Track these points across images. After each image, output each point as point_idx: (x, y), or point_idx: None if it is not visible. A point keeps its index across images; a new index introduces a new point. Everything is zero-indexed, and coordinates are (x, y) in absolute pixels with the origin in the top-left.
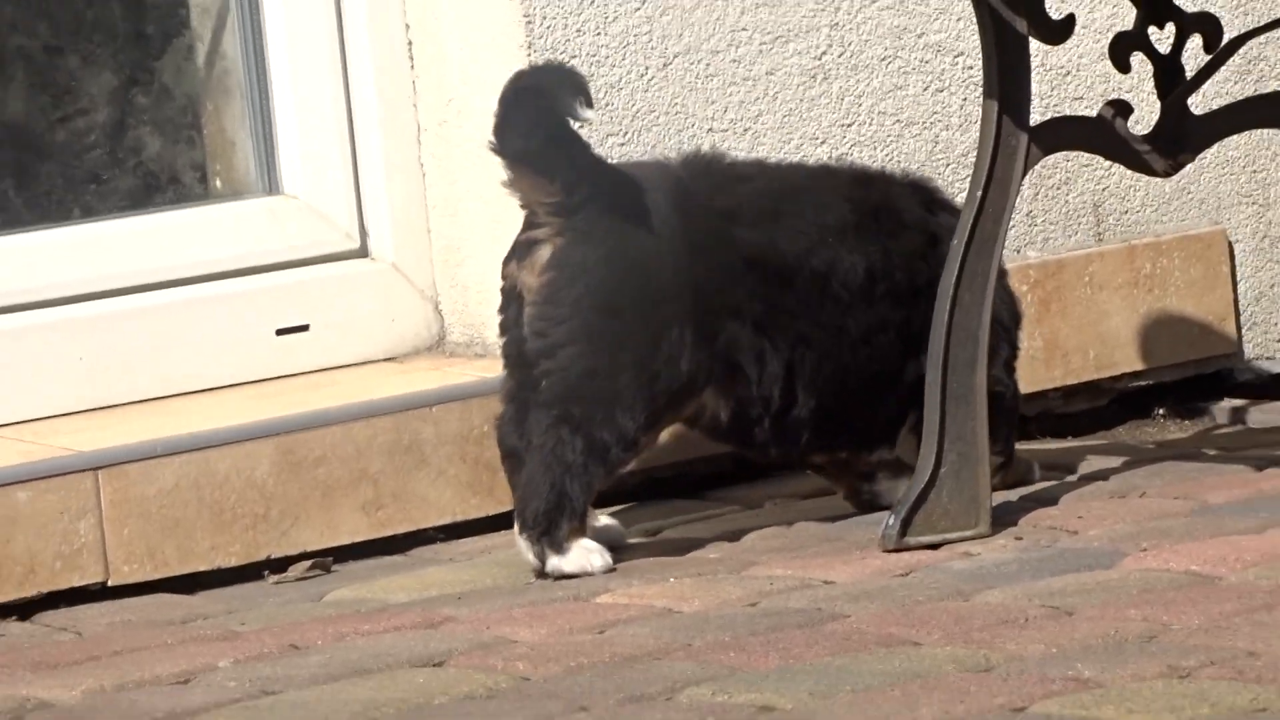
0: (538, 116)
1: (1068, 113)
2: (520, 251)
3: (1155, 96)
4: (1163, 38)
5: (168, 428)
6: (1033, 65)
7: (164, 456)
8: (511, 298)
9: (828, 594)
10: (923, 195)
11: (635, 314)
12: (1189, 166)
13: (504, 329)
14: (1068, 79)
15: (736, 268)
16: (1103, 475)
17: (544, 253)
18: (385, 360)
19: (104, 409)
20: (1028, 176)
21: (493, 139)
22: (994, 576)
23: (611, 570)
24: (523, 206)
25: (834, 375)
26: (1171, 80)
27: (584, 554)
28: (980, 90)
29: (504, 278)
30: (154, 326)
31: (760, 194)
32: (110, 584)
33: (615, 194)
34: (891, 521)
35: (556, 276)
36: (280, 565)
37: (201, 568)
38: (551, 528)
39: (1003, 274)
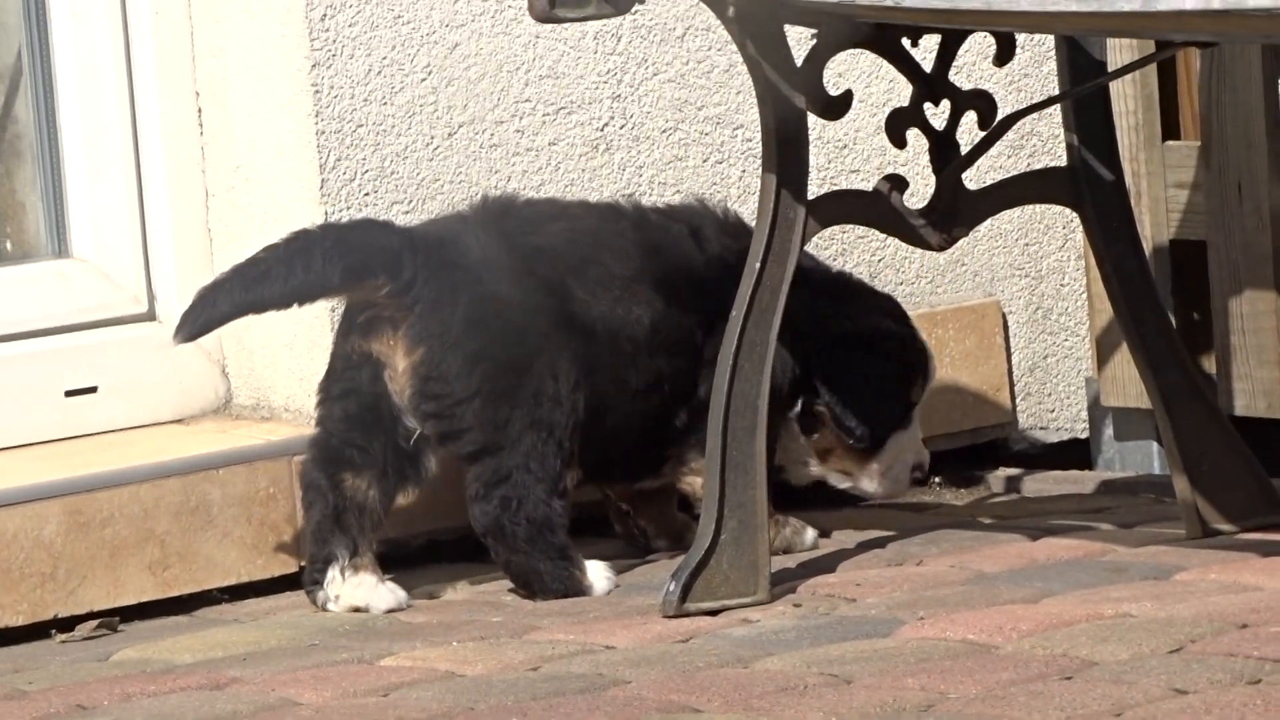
0: (323, 245)
1: (845, 185)
2: (364, 328)
3: (931, 171)
4: (938, 114)
5: None
6: (811, 138)
7: None
8: (360, 364)
9: (609, 659)
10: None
11: (519, 364)
12: (963, 239)
13: (340, 394)
14: (845, 152)
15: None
16: (880, 543)
17: (398, 329)
18: (172, 422)
19: None
20: (805, 248)
21: (310, 279)
22: (773, 643)
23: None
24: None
25: (620, 414)
26: (946, 155)
27: (598, 571)
28: (759, 162)
29: (347, 351)
30: None
31: (570, 233)
32: None
33: (439, 251)
34: (672, 587)
35: (430, 352)
36: (67, 624)
37: None
38: (571, 584)
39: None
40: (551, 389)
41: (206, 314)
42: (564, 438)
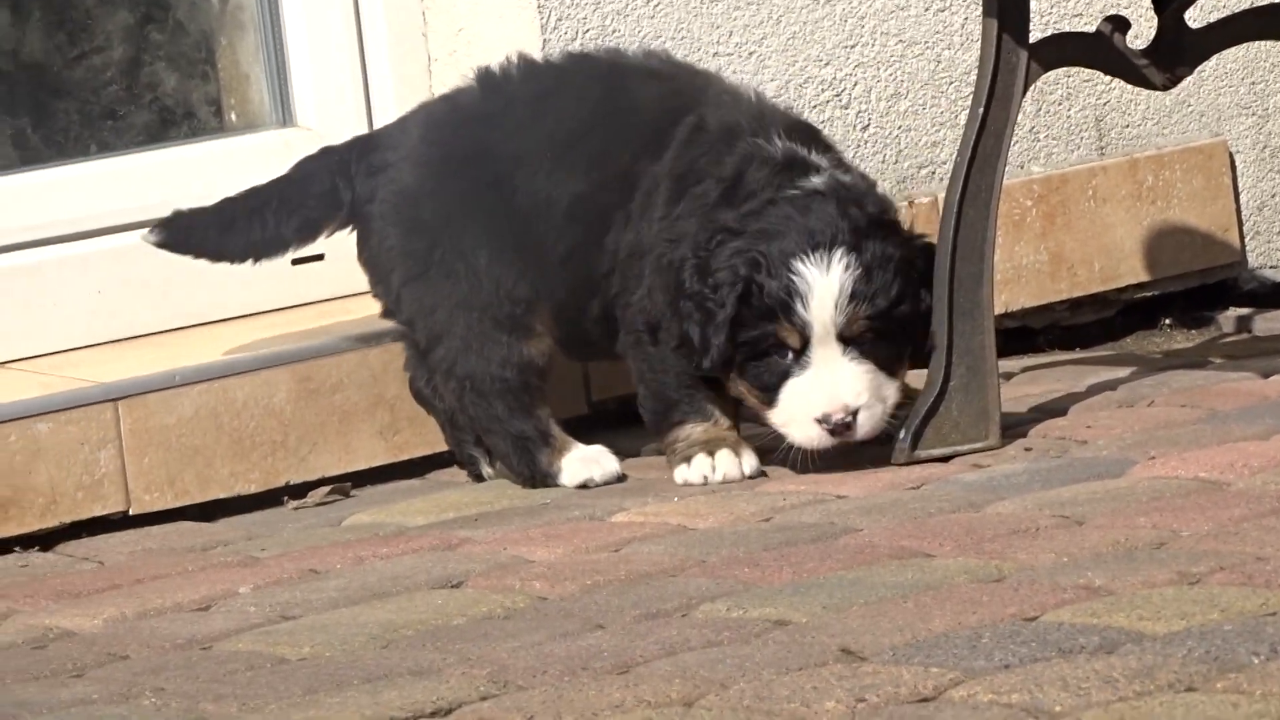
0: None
1: (1067, 29)
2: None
3: (1153, 11)
4: None
5: (185, 358)
6: None
7: (182, 386)
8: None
9: (840, 508)
10: None
11: (443, 260)
12: (1188, 79)
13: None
14: None
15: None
16: (1110, 385)
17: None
18: None
19: (122, 341)
20: (1029, 93)
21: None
22: (1004, 487)
23: (620, 479)
24: None
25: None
26: None
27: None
28: (981, 9)
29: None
30: (170, 259)
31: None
32: (131, 513)
33: (367, 159)
34: (902, 435)
35: (370, 254)
36: (299, 491)
37: (221, 495)
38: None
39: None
40: (463, 268)
41: (177, 240)
42: (499, 313)
